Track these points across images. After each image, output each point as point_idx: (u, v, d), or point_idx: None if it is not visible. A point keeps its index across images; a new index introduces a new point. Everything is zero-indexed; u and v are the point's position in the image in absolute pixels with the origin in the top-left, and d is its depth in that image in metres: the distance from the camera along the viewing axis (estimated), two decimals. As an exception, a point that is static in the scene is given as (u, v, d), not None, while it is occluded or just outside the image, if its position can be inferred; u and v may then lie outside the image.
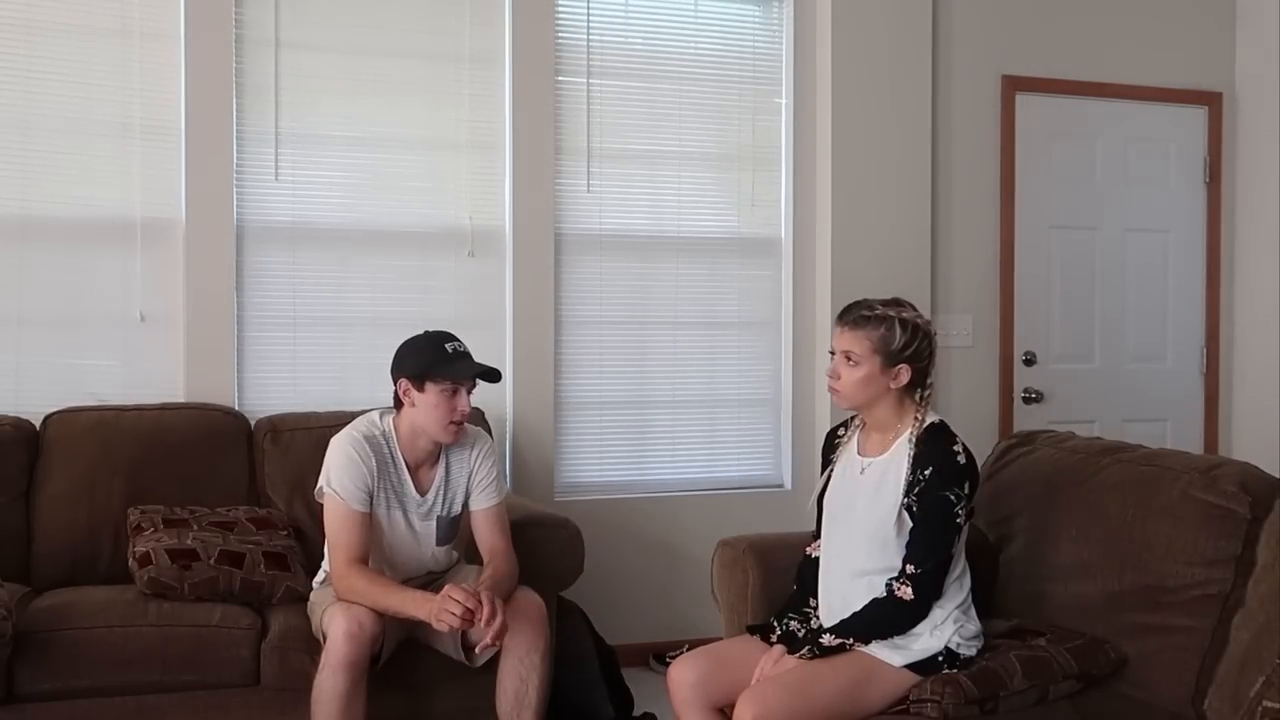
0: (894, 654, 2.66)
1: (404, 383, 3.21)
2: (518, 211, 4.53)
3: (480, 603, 2.92)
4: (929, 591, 2.68)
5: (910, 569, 2.67)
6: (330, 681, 2.98)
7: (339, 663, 2.97)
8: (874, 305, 2.79)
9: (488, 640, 2.97)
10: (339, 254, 4.40)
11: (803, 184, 4.86)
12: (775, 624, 2.89)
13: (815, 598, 2.89)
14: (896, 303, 2.81)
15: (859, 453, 2.86)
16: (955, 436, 2.76)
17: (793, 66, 4.85)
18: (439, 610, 2.92)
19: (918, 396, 2.79)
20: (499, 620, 2.95)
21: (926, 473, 2.69)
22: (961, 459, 2.72)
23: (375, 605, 3.04)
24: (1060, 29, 5.13)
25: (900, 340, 2.74)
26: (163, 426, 3.91)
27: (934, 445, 2.72)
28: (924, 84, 4.89)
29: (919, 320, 2.78)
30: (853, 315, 2.79)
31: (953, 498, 2.68)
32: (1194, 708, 2.63)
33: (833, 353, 2.82)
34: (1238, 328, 5.39)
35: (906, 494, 2.71)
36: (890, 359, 2.74)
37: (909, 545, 2.69)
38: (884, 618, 2.69)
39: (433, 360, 3.18)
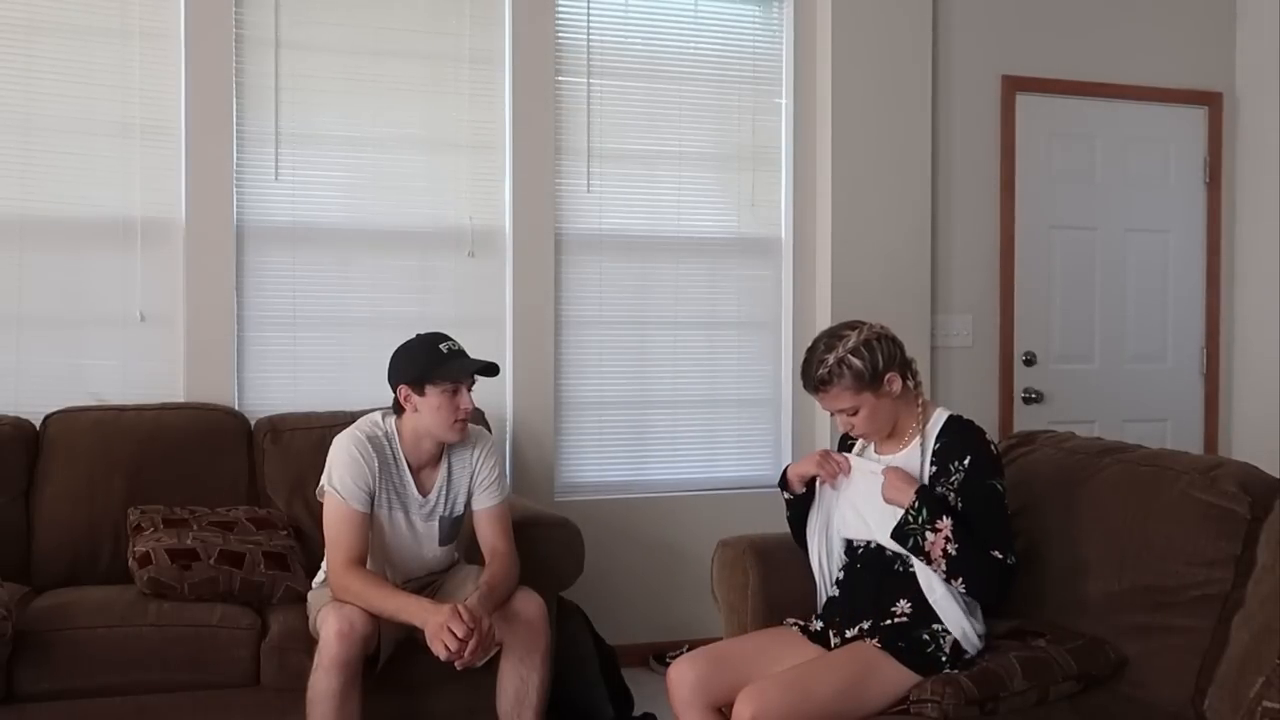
0: (922, 664, 2.64)
1: (404, 389, 3.20)
2: (518, 211, 4.53)
3: (475, 631, 2.91)
4: (1014, 582, 2.69)
5: (998, 555, 2.65)
6: (324, 681, 2.98)
7: (331, 662, 2.98)
8: (823, 359, 2.75)
9: (466, 660, 2.94)
10: (339, 254, 4.40)
11: (803, 184, 4.86)
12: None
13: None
14: (836, 337, 2.78)
15: (875, 452, 2.87)
16: (981, 429, 2.78)
17: (793, 66, 4.85)
18: (433, 638, 2.92)
19: (912, 383, 2.80)
20: (485, 646, 2.95)
21: (965, 462, 2.70)
22: (995, 450, 2.76)
23: (370, 607, 3.04)
24: (1060, 29, 5.14)
25: (867, 365, 2.73)
26: (163, 426, 3.91)
27: (964, 435, 2.74)
28: (924, 84, 4.89)
29: (864, 334, 2.75)
30: (814, 381, 2.77)
31: (1000, 488, 2.71)
32: (1194, 708, 2.62)
33: (833, 413, 2.82)
34: (1238, 328, 5.39)
35: (938, 481, 2.71)
36: (874, 382, 2.74)
37: (981, 536, 2.66)
38: (984, 566, 2.64)
39: (429, 363, 3.18)
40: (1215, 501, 2.72)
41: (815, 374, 2.76)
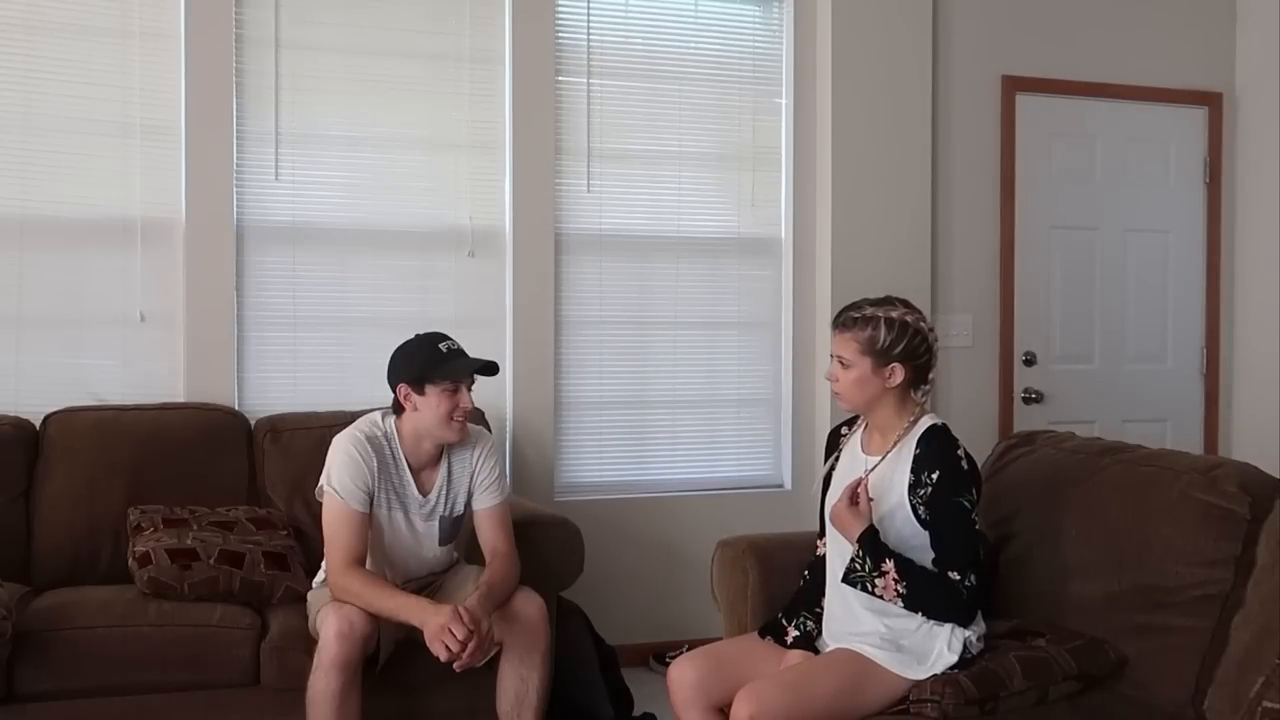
0: (918, 668, 2.64)
1: (404, 388, 3.20)
2: (518, 211, 4.53)
3: (475, 633, 2.91)
4: (977, 601, 2.68)
5: (954, 576, 2.64)
6: (323, 681, 2.99)
7: (331, 662, 2.98)
8: (863, 306, 2.79)
9: (465, 661, 2.94)
10: (339, 254, 4.40)
11: (803, 184, 4.86)
12: (786, 622, 2.89)
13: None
14: (887, 301, 2.80)
15: (862, 450, 2.86)
16: (957, 441, 2.75)
17: (793, 66, 4.85)
18: (433, 640, 2.92)
19: (919, 394, 2.79)
20: (484, 647, 2.96)
21: (933, 475, 2.68)
22: (965, 464, 2.72)
23: (369, 608, 3.04)
24: (1060, 29, 5.13)
25: (887, 340, 2.73)
26: (163, 426, 3.91)
27: (938, 448, 2.71)
28: (924, 84, 4.89)
29: (908, 318, 2.76)
30: (842, 318, 2.80)
31: (966, 504, 2.67)
32: (1194, 708, 2.63)
33: (833, 357, 2.83)
34: (1238, 328, 5.39)
35: (909, 493, 2.71)
36: (880, 359, 2.74)
37: (941, 554, 2.66)
38: (938, 594, 2.63)
39: (429, 362, 3.18)
40: (1215, 501, 2.72)
41: (846, 313, 2.79)
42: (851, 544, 2.66)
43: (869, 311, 2.77)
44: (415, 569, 3.32)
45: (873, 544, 2.64)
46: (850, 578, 2.66)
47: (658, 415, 4.78)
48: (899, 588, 2.61)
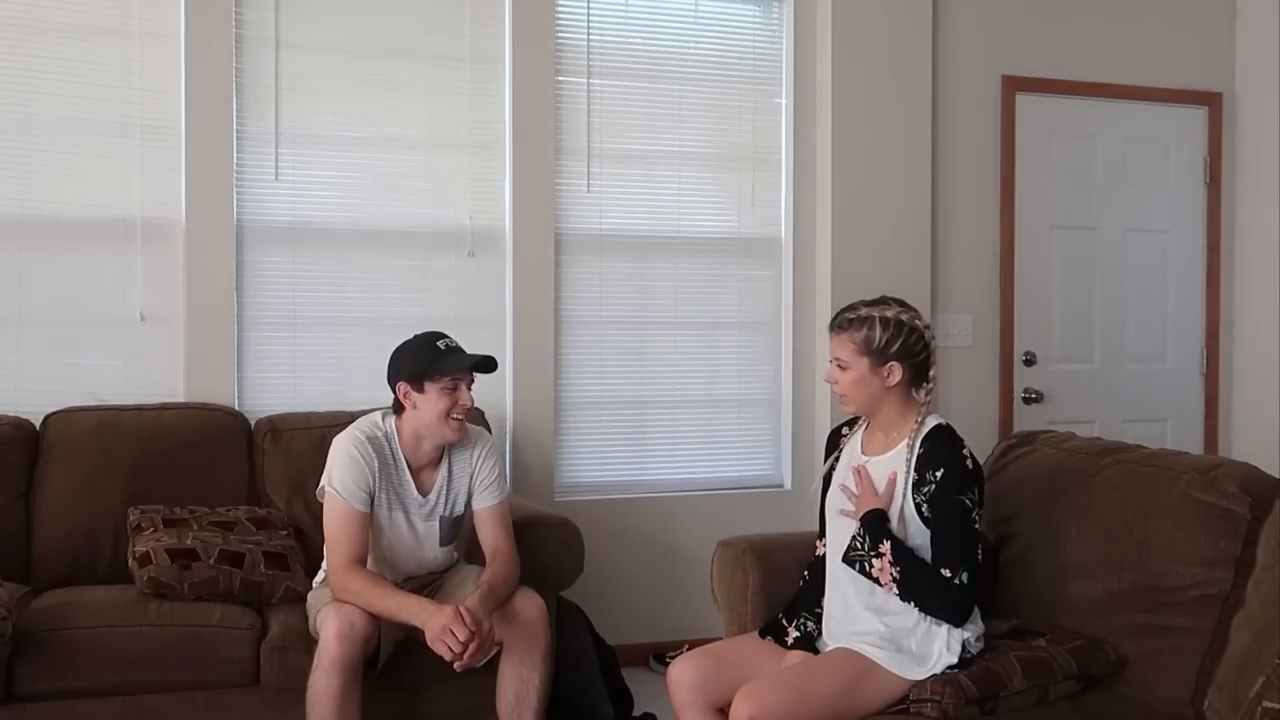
0: (917, 669, 2.64)
1: (403, 386, 3.21)
2: (518, 211, 4.53)
3: (476, 634, 2.92)
4: (971, 600, 2.67)
5: (946, 573, 2.64)
6: (324, 682, 2.99)
7: (331, 663, 2.98)
8: (858, 307, 2.80)
9: (466, 661, 2.95)
10: (339, 254, 4.40)
11: (803, 184, 4.86)
12: (786, 623, 2.89)
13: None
14: (882, 301, 2.81)
15: (862, 450, 2.87)
16: (962, 440, 2.76)
17: (793, 66, 4.85)
18: (434, 640, 2.92)
19: (922, 394, 2.79)
20: (485, 648, 2.97)
21: (937, 474, 2.68)
22: (970, 464, 2.72)
23: (370, 608, 3.04)
24: (1060, 29, 5.13)
25: (882, 338, 2.74)
26: (163, 426, 3.91)
27: (942, 447, 2.72)
28: (924, 84, 4.89)
29: (903, 316, 2.76)
30: (838, 320, 2.82)
31: (968, 503, 2.68)
32: (1194, 708, 2.63)
33: (831, 359, 2.84)
34: (1238, 328, 5.39)
35: (914, 492, 2.71)
36: (877, 358, 2.75)
37: (937, 551, 2.67)
38: (931, 587, 2.64)
39: (428, 359, 3.19)
40: (1215, 501, 2.72)
41: (842, 315, 2.81)
42: (856, 522, 2.68)
43: (864, 312, 2.78)
44: (415, 569, 3.33)
45: (875, 524, 2.67)
46: (850, 555, 2.68)
47: (657, 415, 4.78)
48: (893, 571, 2.63)
